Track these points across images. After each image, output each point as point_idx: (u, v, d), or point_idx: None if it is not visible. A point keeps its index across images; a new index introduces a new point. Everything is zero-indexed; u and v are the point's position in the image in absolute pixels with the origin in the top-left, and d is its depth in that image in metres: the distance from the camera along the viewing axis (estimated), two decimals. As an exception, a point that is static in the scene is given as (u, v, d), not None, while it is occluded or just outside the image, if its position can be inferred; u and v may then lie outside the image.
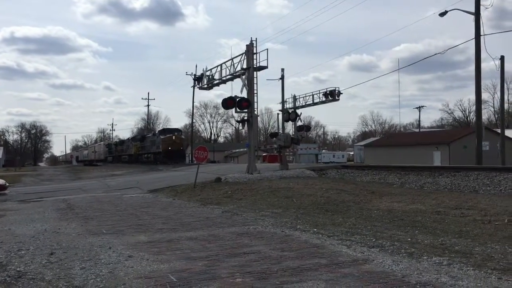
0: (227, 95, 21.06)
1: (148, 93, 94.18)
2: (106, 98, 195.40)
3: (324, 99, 25.73)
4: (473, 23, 24.64)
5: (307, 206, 11.38)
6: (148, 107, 74.59)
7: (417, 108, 76.79)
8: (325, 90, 25.67)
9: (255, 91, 20.51)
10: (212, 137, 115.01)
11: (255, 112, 20.71)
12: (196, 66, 30.21)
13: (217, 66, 23.52)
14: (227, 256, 6.04)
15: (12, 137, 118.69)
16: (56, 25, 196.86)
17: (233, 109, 20.63)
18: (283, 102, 32.26)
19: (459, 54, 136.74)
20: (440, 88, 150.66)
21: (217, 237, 7.55)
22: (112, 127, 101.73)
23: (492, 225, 8.23)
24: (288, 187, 15.00)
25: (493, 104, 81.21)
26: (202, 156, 18.59)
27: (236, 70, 21.52)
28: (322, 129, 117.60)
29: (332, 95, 25.35)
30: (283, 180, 17.67)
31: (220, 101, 24.16)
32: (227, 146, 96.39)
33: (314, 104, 26.59)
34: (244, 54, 20.78)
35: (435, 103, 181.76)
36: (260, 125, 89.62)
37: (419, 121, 77.86)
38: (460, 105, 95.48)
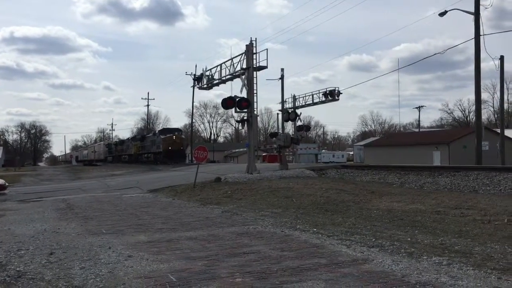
0: (227, 95, 21.09)
1: (148, 93, 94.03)
2: (105, 98, 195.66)
3: (323, 99, 25.75)
4: (473, 23, 24.67)
5: (307, 206, 11.38)
6: (148, 107, 74.60)
7: (416, 108, 76.78)
8: (325, 90, 25.70)
9: (254, 91, 20.51)
10: (212, 137, 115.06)
11: (255, 112, 20.71)
12: (196, 66, 30.39)
13: (217, 66, 23.55)
14: (226, 256, 6.04)
15: (11, 137, 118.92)
16: (56, 25, 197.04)
17: (233, 109, 20.63)
18: (282, 102, 32.26)
19: (458, 54, 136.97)
20: (440, 88, 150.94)
21: (216, 237, 7.55)
22: (112, 127, 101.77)
23: (492, 225, 8.23)
24: (287, 187, 15.00)
25: (493, 104, 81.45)
26: (202, 156, 18.59)
27: (236, 70, 21.51)
28: (321, 129, 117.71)
29: (331, 95, 25.36)
30: (282, 180, 17.68)
31: (220, 101, 24.21)
32: (227, 146, 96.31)
33: (313, 104, 26.62)
34: (243, 54, 20.78)
35: (434, 103, 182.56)
36: (259, 125, 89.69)
37: (419, 121, 77.94)
38: (460, 105, 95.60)
